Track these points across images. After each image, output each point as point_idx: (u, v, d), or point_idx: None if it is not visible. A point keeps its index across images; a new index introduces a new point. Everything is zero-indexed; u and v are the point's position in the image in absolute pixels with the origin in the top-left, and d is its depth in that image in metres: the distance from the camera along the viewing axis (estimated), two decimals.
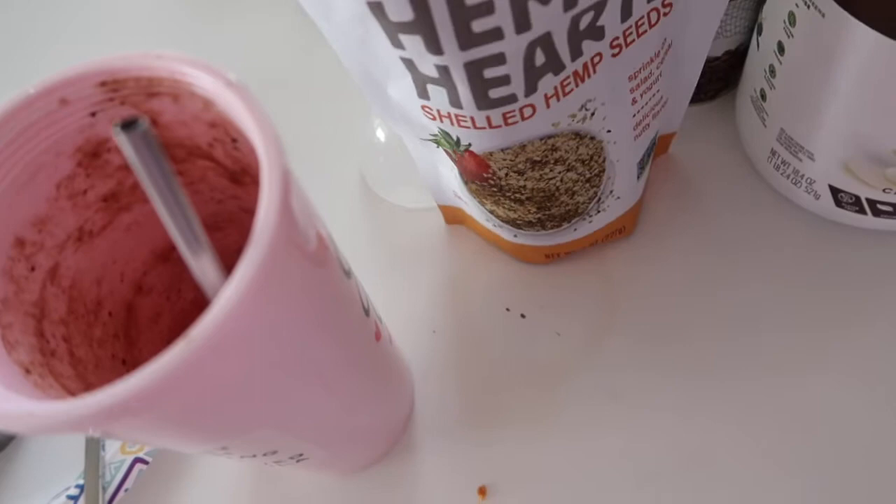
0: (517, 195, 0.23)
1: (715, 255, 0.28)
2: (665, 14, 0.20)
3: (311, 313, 0.16)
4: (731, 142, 0.30)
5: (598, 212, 0.26)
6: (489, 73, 0.18)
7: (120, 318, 0.20)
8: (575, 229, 0.26)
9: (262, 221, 0.13)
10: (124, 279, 0.20)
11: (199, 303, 0.24)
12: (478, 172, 0.23)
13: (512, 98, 0.19)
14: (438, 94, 0.19)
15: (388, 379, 0.23)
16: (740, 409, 0.25)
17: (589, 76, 0.20)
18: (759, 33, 0.25)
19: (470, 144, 0.21)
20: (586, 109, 0.21)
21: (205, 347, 0.12)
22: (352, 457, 0.24)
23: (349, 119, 0.34)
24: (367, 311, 0.21)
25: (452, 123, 0.20)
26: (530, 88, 0.19)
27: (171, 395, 0.13)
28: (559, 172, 0.22)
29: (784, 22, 0.22)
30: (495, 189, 0.23)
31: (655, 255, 0.28)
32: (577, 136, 0.21)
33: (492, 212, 0.25)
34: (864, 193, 0.24)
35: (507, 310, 0.28)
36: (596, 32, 0.18)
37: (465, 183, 0.24)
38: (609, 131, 0.22)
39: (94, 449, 0.27)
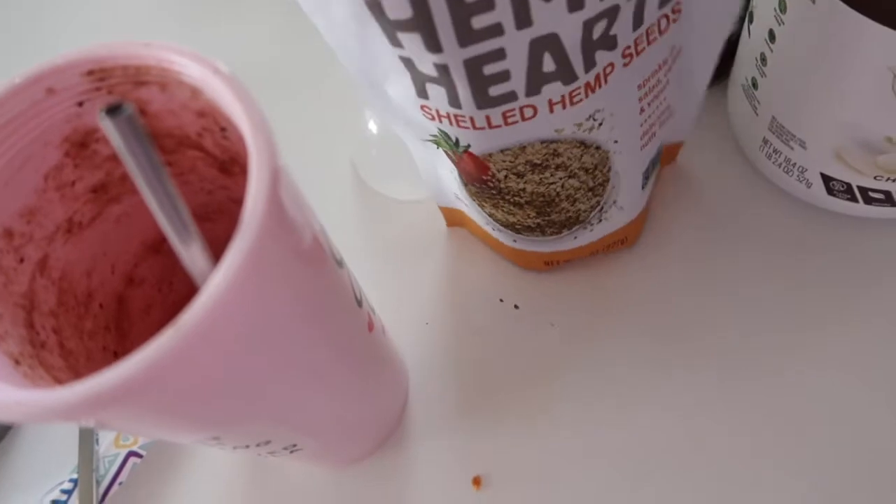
0: (516, 198, 0.23)
1: (710, 247, 0.28)
2: (674, 20, 0.20)
3: (301, 301, 0.16)
4: (722, 132, 0.30)
5: (600, 221, 0.25)
6: (489, 69, 0.18)
7: (111, 310, 0.20)
8: (575, 237, 0.26)
9: (250, 208, 0.13)
10: (115, 271, 0.20)
11: (191, 295, 0.23)
12: (477, 174, 0.22)
13: (512, 96, 0.18)
14: (438, 94, 0.19)
15: (382, 370, 0.23)
16: (738, 405, 0.25)
17: (600, 86, 0.19)
18: (751, 21, 0.25)
19: (469, 146, 0.21)
20: (594, 119, 0.20)
21: (194, 335, 0.12)
22: (346, 448, 0.24)
23: (341, 112, 0.34)
24: (359, 302, 0.21)
25: (452, 124, 0.20)
26: (532, 89, 0.18)
27: (160, 382, 0.13)
28: (560, 178, 0.22)
29: (775, 10, 0.22)
30: (494, 192, 0.23)
31: (655, 260, 0.28)
32: (583, 144, 0.21)
33: (491, 215, 0.25)
34: (855, 181, 0.24)
35: (501, 301, 0.28)
36: (609, 42, 0.18)
37: (465, 185, 0.24)
38: (616, 142, 0.21)
39: (87, 443, 0.27)
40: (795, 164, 0.25)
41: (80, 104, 0.16)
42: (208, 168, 0.19)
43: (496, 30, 0.16)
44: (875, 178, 0.23)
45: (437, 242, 0.30)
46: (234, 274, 0.12)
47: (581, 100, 0.19)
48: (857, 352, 0.25)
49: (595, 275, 0.28)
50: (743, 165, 0.29)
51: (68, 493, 0.26)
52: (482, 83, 0.18)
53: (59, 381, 0.16)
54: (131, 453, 0.27)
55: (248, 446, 0.19)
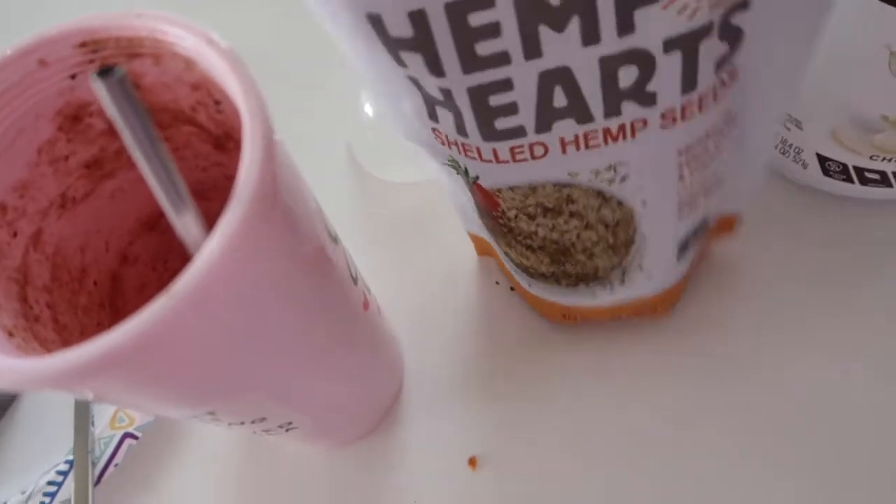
0: (528, 241, 0.21)
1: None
2: (729, 86, 0.18)
3: (295, 273, 0.15)
4: None
5: (623, 283, 0.23)
6: (495, 99, 0.16)
7: (105, 287, 0.20)
8: (594, 295, 0.23)
9: (244, 176, 0.13)
10: (109, 248, 0.20)
11: None
12: (487, 209, 0.21)
13: (520, 131, 0.17)
14: (446, 119, 0.18)
15: (377, 349, 0.23)
16: (735, 389, 0.25)
17: (624, 138, 0.17)
18: None
19: (478, 177, 0.19)
20: (615, 171, 0.18)
21: (186, 303, 0.12)
22: (342, 428, 0.24)
23: (337, 95, 0.34)
24: (354, 280, 0.21)
25: (460, 152, 0.19)
26: (542, 125, 0.17)
27: (151, 351, 0.13)
28: (575, 227, 0.20)
29: None
30: (506, 230, 0.21)
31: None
32: (601, 196, 0.19)
33: (506, 254, 0.23)
34: (851, 161, 0.24)
35: (497, 283, 0.28)
36: (643, 97, 0.16)
37: (481, 216, 0.22)
38: (644, 203, 0.19)
39: (83, 424, 0.27)
40: (791, 144, 0.25)
41: (73, 77, 0.16)
42: (203, 144, 0.19)
43: (503, 58, 0.15)
44: (871, 157, 0.23)
45: (433, 225, 0.30)
46: (227, 242, 0.12)
47: (598, 145, 0.17)
48: (854, 335, 0.25)
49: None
50: None
51: (64, 474, 0.26)
52: (488, 114, 0.17)
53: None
54: (127, 435, 0.27)
55: (243, 423, 0.19)
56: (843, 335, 0.25)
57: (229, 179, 0.20)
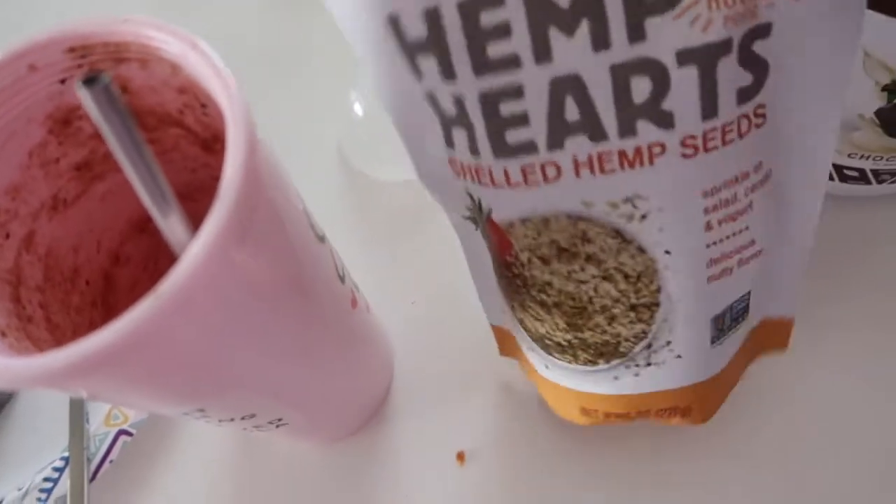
0: (542, 296, 0.20)
1: None
2: (757, 126, 0.17)
3: (280, 273, 0.16)
4: None
5: (649, 364, 0.21)
6: (506, 108, 0.16)
7: (98, 287, 0.21)
8: (616, 377, 0.21)
9: (228, 178, 0.13)
10: (101, 249, 0.21)
11: None
12: (500, 254, 0.20)
13: (531, 147, 0.17)
14: (461, 140, 0.18)
15: (366, 346, 0.24)
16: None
17: (641, 164, 0.16)
18: None
19: (491, 210, 0.19)
20: (634, 206, 0.17)
21: (172, 303, 0.13)
22: (332, 424, 0.25)
23: (327, 94, 0.35)
24: (342, 279, 0.21)
25: (474, 180, 0.18)
26: (554, 141, 0.17)
27: (140, 350, 0.13)
28: (592, 277, 0.19)
29: None
30: (520, 283, 0.20)
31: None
32: (620, 236, 0.18)
33: (521, 321, 0.22)
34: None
35: None
36: (659, 116, 0.16)
37: (498, 279, 0.21)
38: (668, 253, 0.18)
39: (78, 422, 0.27)
40: None
41: (63, 81, 0.17)
42: (191, 146, 0.19)
43: (513, 61, 0.15)
44: (849, 155, 0.24)
45: (423, 223, 0.30)
46: (211, 244, 0.13)
47: (613, 169, 0.17)
48: (840, 329, 0.25)
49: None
50: None
51: (60, 470, 0.27)
52: (498, 124, 0.17)
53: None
54: (121, 431, 0.27)
55: (233, 419, 0.19)
56: (826, 335, 0.25)
57: (217, 180, 0.21)
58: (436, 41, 0.15)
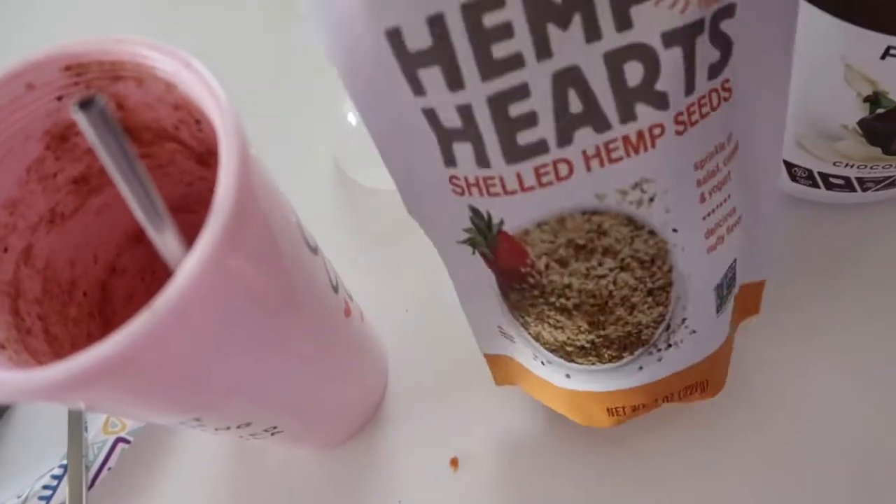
0: (562, 300, 0.20)
1: None
2: (725, 99, 0.18)
3: (274, 286, 0.16)
4: None
5: (669, 346, 0.21)
6: (514, 109, 0.17)
7: (95, 298, 0.21)
8: (640, 367, 0.22)
9: (221, 195, 0.14)
10: (98, 260, 0.21)
11: None
12: (514, 267, 0.20)
13: (543, 146, 0.17)
14: (465, 155, 0.18)
15: (360, 354, 0.24)
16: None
17: (646, 149, 0.17)
18: None
19: (503, 222, 0.19)
20: (643, 191, 0.18)
21: (168, 316, 0.13)
22: (327, 431, 0.25)
23: (321, 103, 0.35)
24: (335, 288, 0.21)
25: (482, 193, 0.19)
26: (563, 138, 0.17)
27: (136, 363, 0.13)
28: (610, 270, 0.19)
29: None
30: (537, 293, 0.20)
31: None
32: (632, 223, 0.19)
33: (537, 336, 0.22)
34: (816, 167, 0.25)
35: None
36: (654, 97, 0.17)
37: (506, 297, 0.21)
38: (675, 231, 0.19)
39: (76, 430, 0.28)
40: None
41: (60, 98, 0.17)
42: (186, 160, 0.19)
43: (517, 60, 0.16)
44: (834, 164, 0.24)
45: (416, 231, 0.31)
46: (205, 258, 0.13)
47: (621, 157, 0.17)
48: (822, 331, 0.26)
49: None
50: None
51: (59, 478, 0.27)
52: (509, 128, 0.17)
53: (43, 366, 0.17)
54: (119, 439, 0.28)
55: (229, 428, 0.19)
56: (808, 337, 0.26)
57: (213, 193, 0.21)
58: (441, 49, 0.16)
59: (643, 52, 0.16)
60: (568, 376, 0.23)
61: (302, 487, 0.26)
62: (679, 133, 0.17)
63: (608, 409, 0.23)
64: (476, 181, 0.18)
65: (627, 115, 0.17)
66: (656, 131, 0.17)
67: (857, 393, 0.25)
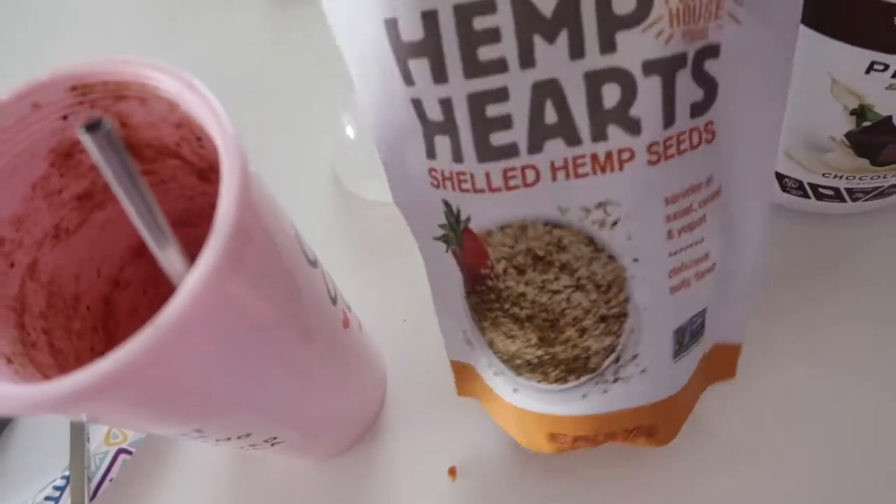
0: (516, 309, 0.20)
1: None
2: (707, 141, 0.18)
3: (274, 300, 0.17)
4: None
5: (616, 380, 0.21)
6: (491, 110, 0.17)
7: (98, 311, 0.21)
8: (584, 395, 0.21)
9: (222, 213, 0.14)
10: (101, 274, 0.21)
11: None
12: (476, 268, 0.20)
13: (513, 150, 0.18)
14: (443, 148, 0.19)
15: (358, 365, 0.24)
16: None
17: (612, 170, 0.18)
18: None
19: (469, 219, 0.19)
20: (605, 212, 0.18)
21: (171, 332, 0.13)
22: (326, 441, 0.25)
23: (319, 116, 0.36)
24: (334, 300, 0.22)
25: (454, 188, 0.19)
26: (534, 144, 0.18)
27: (140, 377, 0.14)
28: (566, 287, 0.19)
29: None
30: (493, 297, 0.21)
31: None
32: (593, 244, 0.19)
33: (491, 344, 0.22)
34: (806, 178, 0.25)
35: None
36: (628, 122, 0.17)
37: (468, 298, 0.22)
38: (636, 261, 0.19)
39: (78, 441, 0.28)
40: None
41: (65, 117, 0.17)
42: (188, 176, 0.20)
43: (500, 65, 0.17)
44: (823, 175, 0.24)
45: (413, 242, 0.31)
46: (207, 274, 0.14)
47: (587, 174, 0.18)
48: (812, 342, 0.26)
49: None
50: None
51: (61, 489, 0.27)
52: (484, 127, 0.18)
53: (48, 379, 0.17)
54: (121, 450, 0.28)
55: (229, 439, 0.20)
56: (801, 345, 0.26)
57: (214, 207, 0.21)
58: (431, 43, 0.17)
59: (623, 77, 0.17)
60: (515, 391, 0.22)
61: (302, 497, 0.26)
62: (651, 163, 0.18)
63: (549, 434, 0.22)
64: (450, 175, 0.19)
65: (599, 134, 0.17)
66: (625, 155, 0.17)
67: (846, 397, 0.25)
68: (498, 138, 0.18)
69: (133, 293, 0.23)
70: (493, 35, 0.16)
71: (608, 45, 0.16)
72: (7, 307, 0.18)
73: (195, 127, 0.17)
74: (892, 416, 0.24)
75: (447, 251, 0.21)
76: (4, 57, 0.43)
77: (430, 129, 0.19)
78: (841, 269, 0.27)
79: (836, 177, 0.24)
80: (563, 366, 0.21)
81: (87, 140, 0.12)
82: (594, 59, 0.16)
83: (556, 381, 0.21)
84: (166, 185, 0.20)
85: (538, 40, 0.16)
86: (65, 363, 0.19)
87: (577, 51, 0.16)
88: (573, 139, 0.17)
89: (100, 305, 0.21)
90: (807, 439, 0.25)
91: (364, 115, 0.20)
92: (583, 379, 0.21)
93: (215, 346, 0.15)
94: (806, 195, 0.26)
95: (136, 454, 0.28)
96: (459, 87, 0.17)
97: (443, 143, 0.19)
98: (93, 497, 0.27)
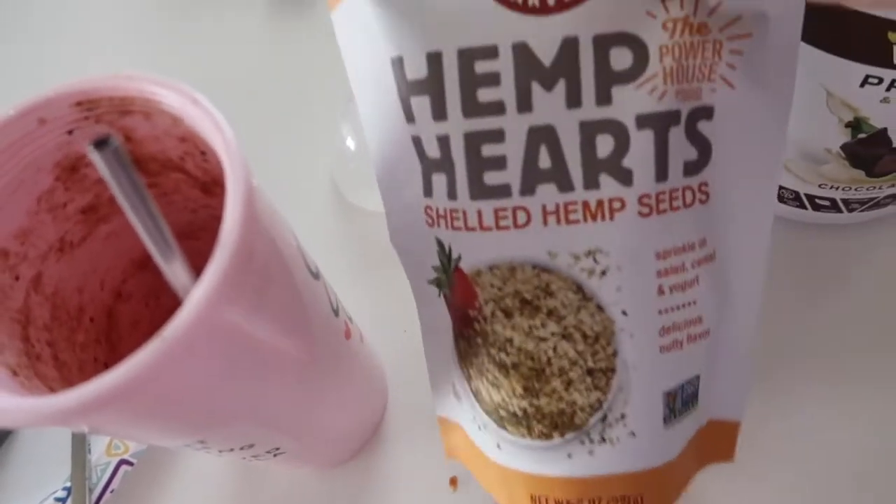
0: (502, 356, 0.20)
1: None
2: (701, 201, 0.18)
3: (278, 312, 0.17)
4: None
5: (603, 441, 0.20)
6: (487, 149, 0.18)
7: (101, 324, 0.22)
8: (569, 455, 0.20)
9: (227, 227, 0.14)
10: (104, 287, 0.22)
11: (176, 309, 0.25)
12: (465, 309, 0.20)
13: (506, 190, 0.18)
14: (440, 185, 0.19)
15: (360, 375, 0.24)
16: None
17: (603, 218, 0.18)
18: None
19: (460, 258, 0.20)
20: (595, 261, 0.18)
21: (177, 344, 0.14)
22: (328, 451, 0.25)
23: (320, 128, 0.36)
24: (336, 311, 0.22)
25: (447, 226, 0.19)
26: (527, 187, 0.18)
27: (146, 389, 0.14)
28: (552, 334, 0.19)
29: None
30: (480, 342, 0.20)
31: None
32: (581, 291, 0.19)
33: (476, 393, 0.21)
34: (802, 189, 0.25)
35: None
36: (619, 172, 0.17)
37: (457, 343, 0.22)
38: (625, 314, 0.19)
39: (80, 452, 0.28)
40: None
41: (70, 132, 0.18)
42: (191, 189, 0.20)
43: (498, 107, 0.17)
44: (820, 186, 0.25)
45: None
46: (213, 287, 0.14)
47: (578, 220, 0.18)
48: (805, 347, 0.26)
49: None
50: None
51: (62, 500, 0.27)
52: (479, 165, 0.18)
53: (54, 391, 0.17)
54: (122, 461, 0.28)
55: (232, 449, 0.20)
56: (794, 358, 0.26)
57: (217, 220, 0.21)
58: (433, 82, 0.17)
59: (616, 128, 0.17)
60: (499, 446, 0.21)
61: None
62: (643, 215, 0.18)
63: (532, 496, 0.21)
64: (445, 213, 0.19)
65: (591, 182, 0.18)
66: (616, 205, 0.18)
67: (842, 409, 0.25)
68: (491, 178, 0.18)
69: (135, 305, 0.23)
70: (494, 79, 0.17)
71: (604, 98, 0.17)
72: (12, 319, 0.18)
73: (199, 141, 0.17)
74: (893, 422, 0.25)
75: (440, 295, 0.21)
76: (10, 72, 0.43)
77: (427, 167, 0.19)
78: (838, 279, 0.27)
79: (832, 188, 0.24)
80: (548, 420, 0.20)
81: (95, 156, 0.12)
82: (590, 110, 0.17)
83: (541, 436, 0.20)
84: (169, 198, 0.20)
85: (536, 87, 0.17)
86: (69, 375, 0.19)
87: (573, 100, 0.17)
88: (566, 185, 0.18)
89: (103, 317, 0.22)
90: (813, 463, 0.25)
91: (369, 152, 0.21)
92: (568, 436, 0.20)
93: (220, 358, 0.15)
94: (803, 206, 0.26)
95: (137, 465, 0.28)
96: (457, 126, 0.18)
97: (439, 180, 0.19)
98: None
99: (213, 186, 0.20)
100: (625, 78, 0.17)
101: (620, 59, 0.17)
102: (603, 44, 0.17)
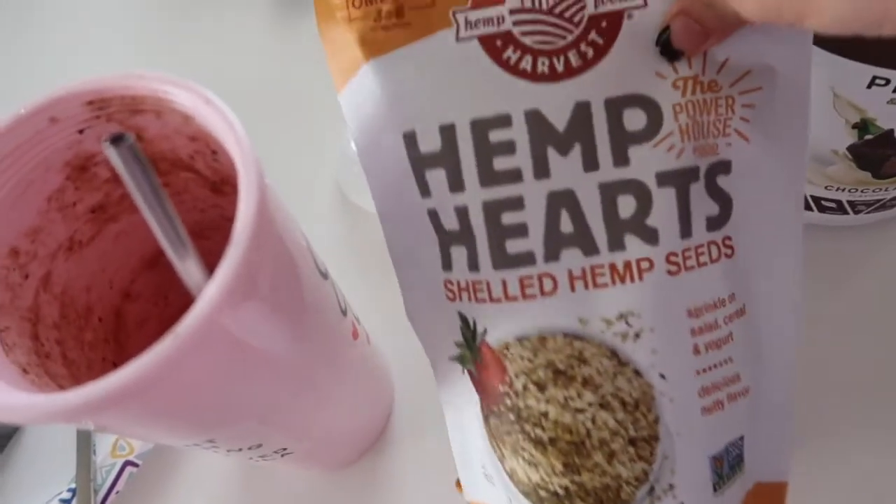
0: (538, 431, 0.19)
1: None
2: (727, 256, 0.18)
3: (288, 311, 0.17)
4: None
5: None
6: (507, 217, 0.18)
7: (109, 323, 0.22)
8: None
9: (240, 226, 0.14)
10: (113, 286, 0.22)
11: (184, 310, 0.25)
12: (494, 385, 0.19)
13: (530, 258, 0.18)
14: (460, 258, 0.19)
15: (367, 376, 0.24)
16: None
17: (632, 280, 0.17)
18: None
19: (486, 331, 0.19)
20: (628, 324, 0.18)
21: (190, 342, 0.14)
22: (335, 452, 0.25)
23: (323, 128, 0.36)
24: (344, 312, 0.22)
25: (470, 298, 0.19)
26: (551, 253, 0.18)
27: (158, 386, 0.14)
28: (589, 404, 0.18)
29: None
30: (513, 418, 0.19)
31: None
32: (616, 357, 0.18)
33: (512, 474, 0.20)
34: (809, 191, 0.25)
35: None
36: (645, 232, 0.17)
37: (486, 422, 0.20)
38: (663, 377, 0.18)
39: (85, 453, 0.28)
40: None
41: (81, 131, 0.18)
42: (200, 188, 0.20)
43: (516, 174, 0.17)
44: (826, 188, 0.25)
45: None
46: (226, 285, 0.14)
47: (606, 284, 0.18)
48: (814, 352, 0.26)
49: None
50: None
51: (67, 502, 0.27)
52: (500, 233, 0.18)
53: (63, 389, 0.17)
54: (127, 463, 0.28)
55: (240, 449, 0.20)
56: (800, 359, 0.26)
57: (226, 220, 0.22)
58: (448, 154, 0.17)
59: (637, 188, 0.17)
60: None
61: None
62: (672, 273, 0.18)
63: None
64: (467, 286, 0.19)
65: (616, 244, 0.17)
66: (644, 265, 0.17)
67: (848, 413, 0.25)
68: (514, 246, 0.18)
69: (143, 305, 0.23)
70: (509, 147, 0.17)
71: (621, 159, 0.17)
72: (22, 318, 0.18)
73: (211, 140, 0.17)
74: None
75: (463, 372, 0.20)
76: (21, 71, 0.43)
77: (446, 240, 0.19)
78: (844, 280, 0.28)
79: (838, 189, 0.25)
80: (593, 497, 0.19)
81: (111, 152, 0.12)
82: (608, 171, 0.17)
83: None
84: (179, 197, 0.20)
85: (552, 153, 0.17)
86: (77, 373, 0.19)
87: (590, 163, 0.17)
88: (590, 248, 0.18)
89: (111, 317, 0.22)
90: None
91: (382, 231, 0.20)
92: None
93: (231, 356, 0.15)
94: (809, 208, 0.26)
95: (142, 466, 0.28)
96: (475, 195, 0.18)
97: (459, 252, 0.19)
98: None
99: (222, 186, 0.20)
100: (640, 138, 0.17)
101: (634, 119, 0.17)
102: (615, 106, 0.17)
